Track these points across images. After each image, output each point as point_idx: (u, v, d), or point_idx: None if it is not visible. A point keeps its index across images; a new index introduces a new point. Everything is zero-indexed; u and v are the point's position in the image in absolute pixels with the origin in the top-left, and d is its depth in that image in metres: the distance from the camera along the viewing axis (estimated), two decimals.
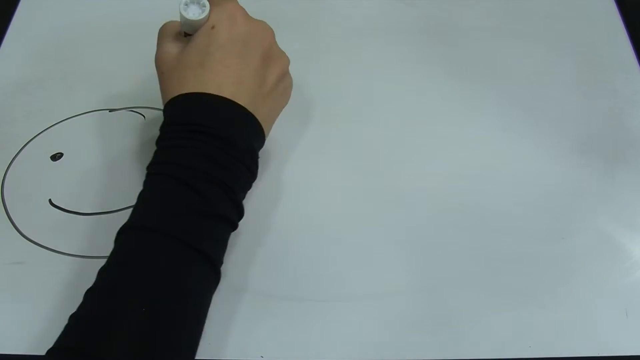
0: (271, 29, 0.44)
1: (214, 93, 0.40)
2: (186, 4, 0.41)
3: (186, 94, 0.41)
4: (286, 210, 0.49)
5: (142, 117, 0.55)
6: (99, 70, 0.59)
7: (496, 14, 0.64)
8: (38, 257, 0.47)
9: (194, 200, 0.38)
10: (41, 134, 0.54)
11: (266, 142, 0.53)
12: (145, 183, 0.40)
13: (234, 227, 0.41)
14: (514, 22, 0.63)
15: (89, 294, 0.37)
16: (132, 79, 0.58)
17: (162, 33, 0.45)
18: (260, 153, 0.53)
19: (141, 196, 0.40)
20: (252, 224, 0.49)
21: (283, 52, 0.45)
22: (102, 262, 0.47)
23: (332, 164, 0.52)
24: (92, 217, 0.49)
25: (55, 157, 0.53)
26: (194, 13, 0.41)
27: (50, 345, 0.38)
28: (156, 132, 0.54)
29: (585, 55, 0.60)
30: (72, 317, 0.36)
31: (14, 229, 0.49)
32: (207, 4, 0.41)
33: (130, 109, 0.56)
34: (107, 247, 0.47)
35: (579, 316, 0.44)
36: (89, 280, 0.46)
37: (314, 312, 0.44)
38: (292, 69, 0.58)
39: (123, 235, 0.39)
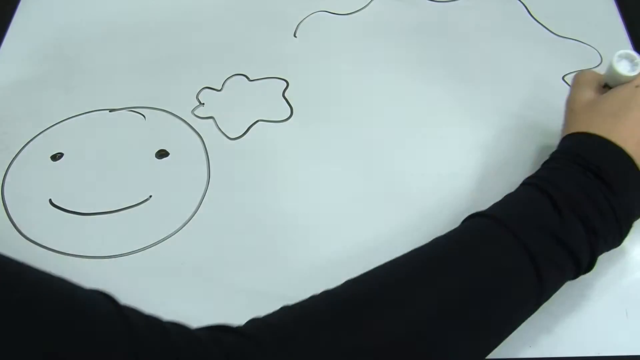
0: None
1: (618, 143, 0.40)
2: (619, 57, 0.43)
3: (591, 133, 0.42)
4: (286, 210, 0.49)
5: (142, 117, 0.55)
6: (99, 70, 0.59)
7: (496, 14, 0.64)
8: (38, 257, 0.47)
9: (555, 222, 0.37)
10: (41, 134, 0.54)
11: (266, 142, 0.54)
12: (516, 190, 0.42)
13: (576, 274, 0.39)
14: (514, 22, 0.63)
15: (414, 252, 0.38)
16: (132, 79, 0.58)
17: (581, 79, 0.47)
18: (260, 153, 0.53)
19: (507, 197, 0.41)
20: (252, 223, 0.49)
21: None
22: (102, 262, 0.47)
23: (332, 164, 0.52)
24: (92, 217, 0.49)
25: (55, 157, 0.53)
26: (624, 68, 0.43)
27: None
28: (156, 132, 0.54)
29: (586, 55, 0.60)
30: (382, 267, 0.37)
31: (14, 229, 0.49)
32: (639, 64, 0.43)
33: (130, 109, 0.56)
34: (107, 247, 0.48)
35: (579, 316, 0.44)
36: (89, 280, 0.46)
37: None
38: (292, 68, 0.58)
39: (473, 219, 0.40)
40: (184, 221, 0.49)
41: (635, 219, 0.41)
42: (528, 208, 0.39)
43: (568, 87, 0.57)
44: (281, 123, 0.55)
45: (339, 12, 0.63)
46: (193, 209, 0.50)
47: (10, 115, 0.56)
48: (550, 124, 0.55)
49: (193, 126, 0.55)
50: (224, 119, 0.55)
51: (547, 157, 0.52)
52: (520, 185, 0.42)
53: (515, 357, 0.43)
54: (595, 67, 0.59)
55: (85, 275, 0.46)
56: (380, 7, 0.64)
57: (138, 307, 0.45)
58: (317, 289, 0.46)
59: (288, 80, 0.58)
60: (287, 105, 0.56)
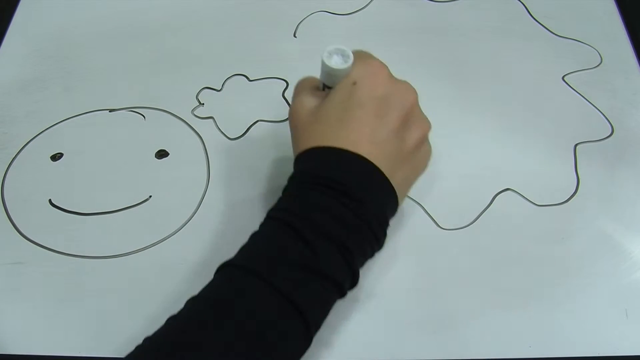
0: (415, 90, 0.41)
1: (350, 149, 0.38)
2: (329, 53, 0.40)
3: (321, 147, 0.39)
4: None
5: (142, 117, 0.55)
6: (99, 70, 0.59)
7: (496, 14, 0.64)
8: (38, 257, 0.47)
9: (304, 253, 0.36)
10: (41, 134, 0.54)
11: (266, 142, 0.54)
12: (261, 225, 0.39)
13: (342, 293, 0.38)
14: (514, 22, 0.63)
15: (172, 320, 0.36)
16: (132, 79, 0.58)
17: (299, 86, 0.43)
18: (260, 153, 0.53)
19: (252, 237, 0.39)
20: (252, 224, 0.49)
21: (425, 117, 0.42)
22: (102, 262, 0.47)
23: None
24: (92, 217, 0.49)
25: (55, 157, 0.53)
26: (337, 63, 0.40)
27: (48, 345, 0.38)
28: (156, 132, 0.54)
29: (586, 55, 0.60)
30: (147, 339, 0.35)
31: (14, 229, 0.49)
32: (351, 55, 0.40)
33: (130, 109, 0.56)
34: (107, 247, 0.48)
35: (579, 316, 0.44)
36: (89, 280, 0.46)
37: None
38: (293, 69, 0.58)
39: (222, 270, 0.38)
40: (184, 221, 0.49)
41: (391, 215, 0.40)
42: (273, 246, 0.37)
43: (568, 87, 0.58)
44: (281, 123, 0.55)
45: (339, 12, 0.64)
46: (193, 209, 0.50)
47: (10, 115, 0.56)
48: (550, 123, 0.55)
49: (193, 126, 0.55)
50: (224, 119, 0.55)
51: (539, 157, 0.52)
52: (265, 218, 0.39)
53: (515, 357, 0.43)
54: (595, 67, 0.59)
55: (86, 275, 0.46)
56: (380, 7, 0.64)
57: (138, 307, 0.45)
58: None
59: (288, 80, 0.58)
60: (287, 105, 0.56)
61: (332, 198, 0.37)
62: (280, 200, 0.40)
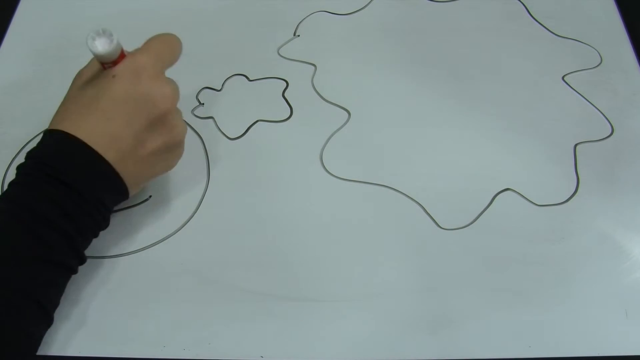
0: (175, 95, 0.42)
1: (84, 139, 0.39)
2: (96, 34, 0.39)
3: (58, 131, 0.40)
4: (285, 210, 0.50)
5: None
6: None
7: (496, 14, 0.64)
8: None
9: (32, 244, 0.37)
10: (41, 134, 0.54)
11: (266, 142, 0.54)
12: None
13: (74, 271, 0.41)
14: (514, 22, 0.63)
15: None
16: None
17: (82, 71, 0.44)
18: (260, 153, 0.53)
19: None
20: (252, 224, 0.49)
21: (180, 124, 0.43)
22: (102, 262, 0.47)
23: (331, 164, 0.52)
24: None
25: None
26: (101, 45, 0.39)
27: (49, 345, 0.38)
28: None
29: (586, 55, 0.60)
30: None
31: None
32: (115, 38, 0.39)
33: None
34: (107, 247, 0.48)
35: (579, 316, 0.44)
36: (89, 280, 0.46)
37: (314, 312, 0.45)
38: (293, 69, 0.58)
39: None
40: (183, 221, 0.49)
41: (113, 202, 0.42)
42: (3, 242, 0.37)
43: (568, 87, 0.58)
44: (281, 123, 0.55)
45: (339, 12, 0.64)
46: (193, 209, 0.50)
47: (10, 115, 0.56)
48: (550, 123, 0.55)
49: (193, 126, 0.55)
50: (224, 119, 0.55)
51: (539, 157, 0.51)
52: None
53: (515, 357, 0.43)
54: (595, 67, 0.59)
55: (86, 276, 0.46)
56: (380, 7, 0.64)
57: (138, 307, 0.45)
58: (317, 289, 0.46)
59: (288, 80, 0.58)
60: (287, 105, 0.56)
61: (53, 187, 0.38)
62: (11, 184, 0.39)
